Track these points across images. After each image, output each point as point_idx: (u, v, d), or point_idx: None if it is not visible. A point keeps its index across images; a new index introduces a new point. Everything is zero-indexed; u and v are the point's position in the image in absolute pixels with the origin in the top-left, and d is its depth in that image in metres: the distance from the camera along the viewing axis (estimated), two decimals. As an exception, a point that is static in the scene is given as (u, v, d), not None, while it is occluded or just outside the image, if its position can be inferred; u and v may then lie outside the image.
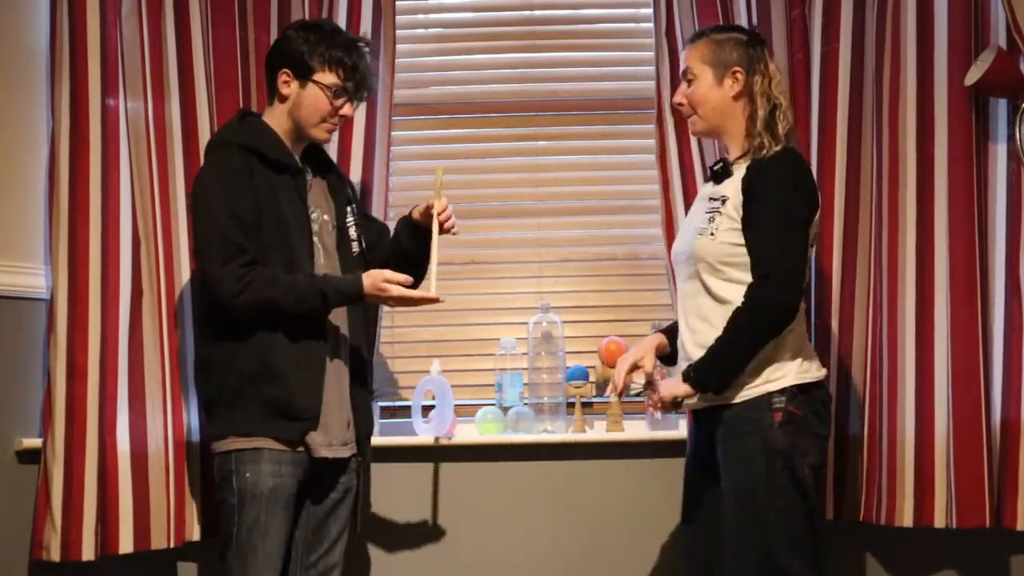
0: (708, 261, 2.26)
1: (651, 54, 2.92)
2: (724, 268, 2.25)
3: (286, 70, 2.37)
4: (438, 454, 2.85)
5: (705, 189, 2.41)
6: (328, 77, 2.35)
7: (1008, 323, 2.58)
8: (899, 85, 2.67)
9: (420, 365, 2.94)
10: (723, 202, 2.27)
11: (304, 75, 2.36)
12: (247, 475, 2.26)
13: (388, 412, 2.97)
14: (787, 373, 2.22)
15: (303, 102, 2.37)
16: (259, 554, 2.25)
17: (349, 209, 2.50)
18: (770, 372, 2.21)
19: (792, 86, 2.77)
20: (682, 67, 2.40)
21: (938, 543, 2.74)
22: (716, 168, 2.36)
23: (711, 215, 2.28)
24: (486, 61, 3.14)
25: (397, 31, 2.90)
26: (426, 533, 2.85)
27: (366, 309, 2.52)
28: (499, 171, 3.11)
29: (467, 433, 2.88)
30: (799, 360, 2.24)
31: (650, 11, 2.95)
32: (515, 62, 3.12)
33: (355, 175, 2.80)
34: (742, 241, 2.23)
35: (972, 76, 2.58)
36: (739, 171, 2.29)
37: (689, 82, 2.37)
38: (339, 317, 2.39)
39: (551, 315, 2.89)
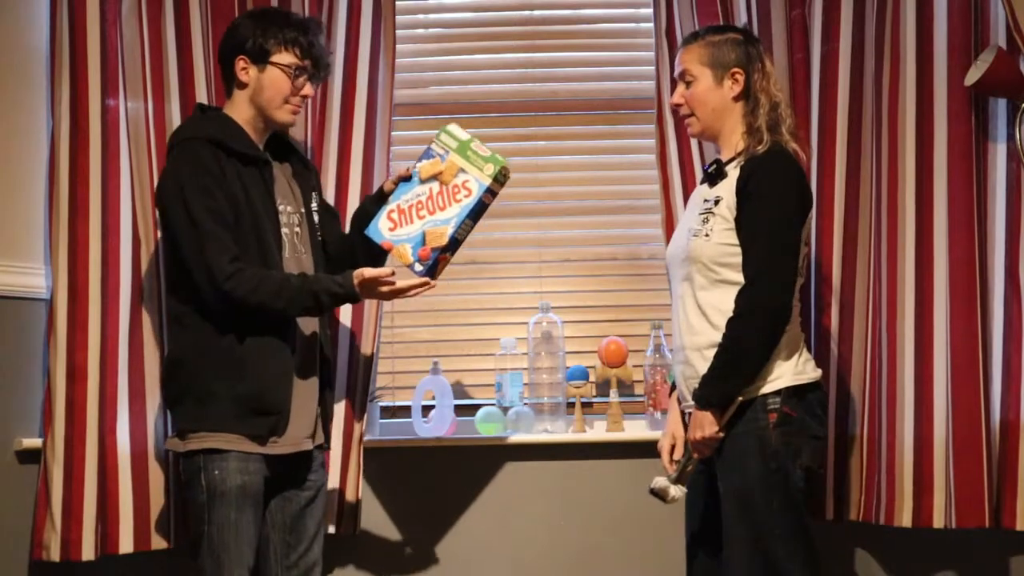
0: (703, 262, 2.25)
1: (651, 54, 2.92)
2: (719, 269, 2.24)
3: (242, 56, 2.35)
4: (438, 454, 2.85)
5: (699, 191, 2.41)
6: (286, 57, 2.34)
7: (1008, 323, 2.58)
8: (899, 85, 2.67)
9: (420, 365, 2.94)
10: (716, 203, 2.27)
11: (262, 59, 2.34)
12: (216, 472, 2.24)
13: (388, 412, 2.96)
14: (782, 374, 2.21)
15: (264, 85, 2.35)
16: (231, 552, 2.23)
17: (314, 195, 2.48)
18: (764, 373, 2.20)
19: (792, 86, 2.77)
20: (677, 69, 2.40)
21: (937, 543, 2.74)
22: (710, 170, 2.35)
23: (705, 216, 2.28)
24: (486, 61, 3.14)
25: (397, 31, 2.89)
26: (426, 533, 2.85)
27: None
28: (499, 171, 3.11)
29: (467, 433, 2.88)
30: (793, 361, 2.24)
31: (650, 11, 2.95)
32: (515, 62, 3.11)
33: (355, 175, 2.79)
34: (737, 241, 2.23)
35: (972, 76, 2.58)
36: (733, 172, 2.29)
37: (688, 83, 2.36)
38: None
39: (551, 315, 2.88)
